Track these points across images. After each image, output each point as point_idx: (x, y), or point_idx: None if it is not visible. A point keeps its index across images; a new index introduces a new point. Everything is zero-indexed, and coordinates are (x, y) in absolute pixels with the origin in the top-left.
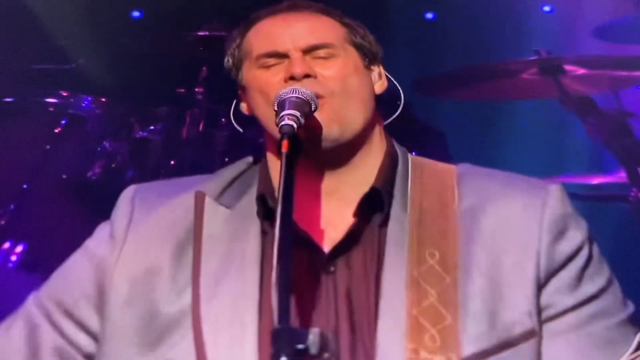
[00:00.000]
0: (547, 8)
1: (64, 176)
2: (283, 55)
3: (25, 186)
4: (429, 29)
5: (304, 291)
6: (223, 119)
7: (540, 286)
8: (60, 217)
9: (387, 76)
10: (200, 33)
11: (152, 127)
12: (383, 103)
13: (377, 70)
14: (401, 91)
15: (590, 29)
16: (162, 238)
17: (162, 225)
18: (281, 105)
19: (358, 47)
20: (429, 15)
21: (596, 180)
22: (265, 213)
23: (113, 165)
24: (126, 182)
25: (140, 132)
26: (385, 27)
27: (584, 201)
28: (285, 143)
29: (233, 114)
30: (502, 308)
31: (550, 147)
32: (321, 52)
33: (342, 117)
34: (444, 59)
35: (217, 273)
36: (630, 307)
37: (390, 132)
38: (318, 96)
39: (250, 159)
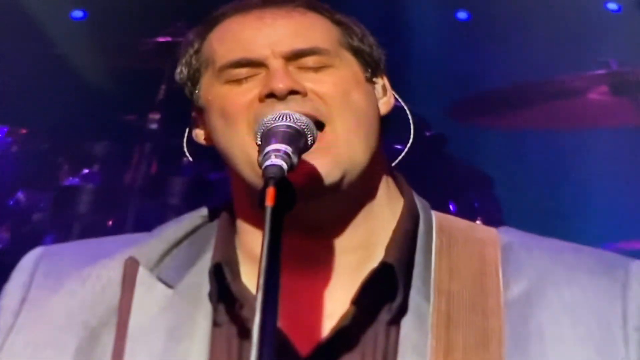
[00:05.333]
0: (613, 6)
1: None
2: (258, 65)
3: None
4: (462, 34)
5: None
6: (185, 158)
7: None
8: None
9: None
10: (160, 39)
11: (86, 171)
12: (400, 131)
13: (381, 83)
14: (408, 112)
15: None
16: (67, 324)
17: (71, 307)
18: (266, 137)
19: (357, 53)
20: (462, 15)
21: None
22: (220, 292)
23: (26, 227)
24: None
25: (70, 178)
26: (406, 32)
27: None
28: (270, 192)
29: (187, 144)
30: None
31: (632, 195)
32: (310, 61)
33: (344, 151)
34: (484, 75)
35: None
36: None
37: (417, 174)
38: (315, 122)
39: (204, 211)
